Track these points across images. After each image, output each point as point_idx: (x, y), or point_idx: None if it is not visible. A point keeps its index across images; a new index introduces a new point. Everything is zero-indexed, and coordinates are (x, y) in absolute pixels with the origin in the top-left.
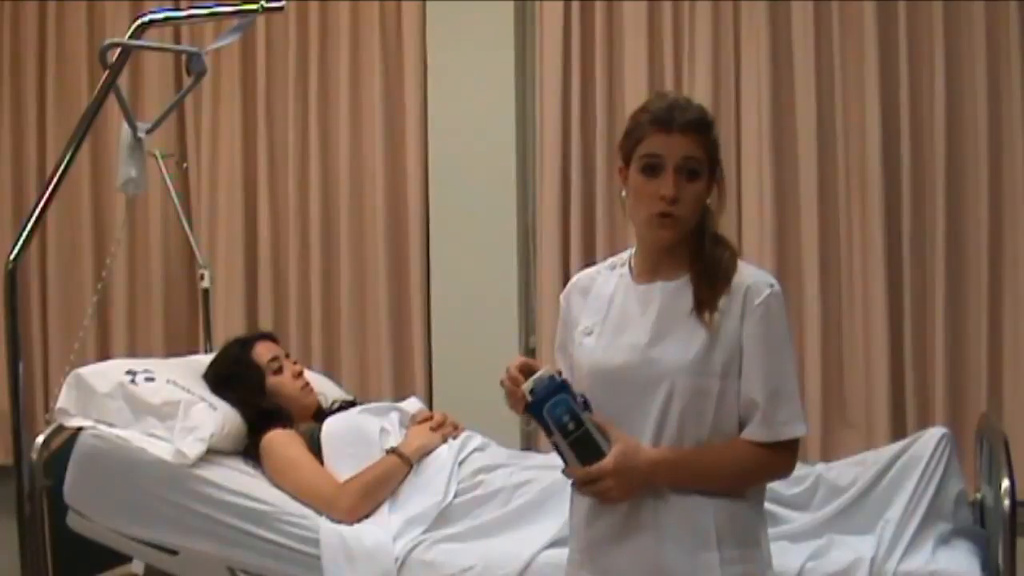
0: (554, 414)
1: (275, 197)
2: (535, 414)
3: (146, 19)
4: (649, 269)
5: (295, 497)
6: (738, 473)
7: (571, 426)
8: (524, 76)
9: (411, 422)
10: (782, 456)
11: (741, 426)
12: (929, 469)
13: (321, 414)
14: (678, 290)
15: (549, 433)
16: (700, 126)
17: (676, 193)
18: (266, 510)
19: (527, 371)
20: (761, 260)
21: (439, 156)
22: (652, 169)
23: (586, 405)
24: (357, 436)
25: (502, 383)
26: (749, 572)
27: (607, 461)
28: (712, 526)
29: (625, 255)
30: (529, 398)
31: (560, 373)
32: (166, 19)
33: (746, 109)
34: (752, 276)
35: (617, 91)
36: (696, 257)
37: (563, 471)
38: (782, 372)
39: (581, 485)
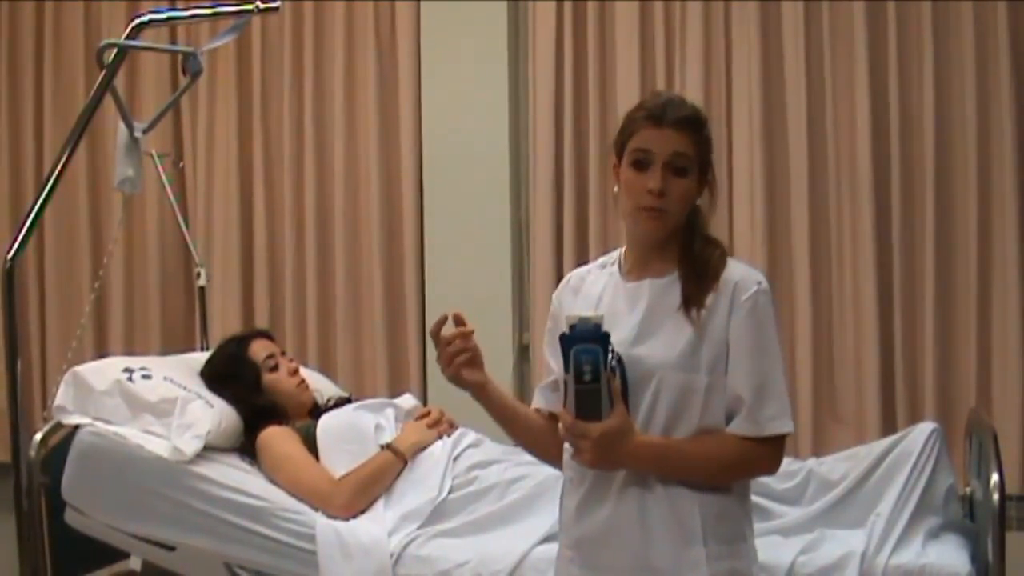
0: (578, 358)
1: (271, 196)
2: (564, 346)
3: (145, 19)
4: (638, 266)
5: (291, 493)
6: (722, 466)
7: (587, 377)
8: (517, 75)
9: (408, 419)
10: (767, 452)
11: (728, 422)
12: (919, 464)
13: (317, 411)
14: (666, 287)
15: (566, 371)
16: (691, 123)
17: (663, 187)
18: (262, 506)
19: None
20: (752, 257)
21: (433, 155)
22: (642, 163)
23: (619, 368)
24: (353, 433)
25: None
26: (735, 567)
27: (596, 427)
28: (698, 521)
29: (615, 254)
30: (567, 331)
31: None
32: (168, 19)
33: (737, 109)
34: (740, 272)
35: (609, 90)
36: (685, 255)
37: (562, 410)
38: (768, 368)
39: (564, 430)
